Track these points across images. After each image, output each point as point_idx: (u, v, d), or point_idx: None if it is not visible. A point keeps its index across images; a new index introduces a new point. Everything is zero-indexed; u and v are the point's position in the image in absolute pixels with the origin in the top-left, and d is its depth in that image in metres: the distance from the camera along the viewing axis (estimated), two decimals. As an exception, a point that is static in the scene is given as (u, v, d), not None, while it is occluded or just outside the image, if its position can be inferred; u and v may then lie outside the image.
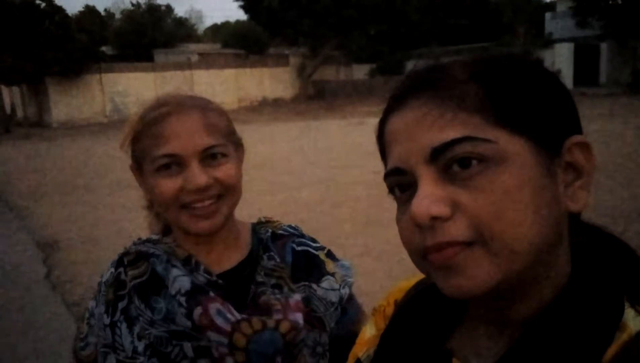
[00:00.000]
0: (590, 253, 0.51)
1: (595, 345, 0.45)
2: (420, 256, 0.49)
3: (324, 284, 0.95)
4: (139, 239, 0.98)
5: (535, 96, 0.49)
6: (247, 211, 1.07)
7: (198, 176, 0.83)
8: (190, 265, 0.90)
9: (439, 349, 0.57)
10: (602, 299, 0.47)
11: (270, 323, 0.86)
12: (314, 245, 1.00)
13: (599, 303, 0.47)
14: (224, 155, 0.87)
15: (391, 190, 0.53)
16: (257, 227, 1.00)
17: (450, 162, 0.47)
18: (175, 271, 0.88)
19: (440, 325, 0.58)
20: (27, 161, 12.93)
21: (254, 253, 0.95)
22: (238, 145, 0.94)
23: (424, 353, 0.57)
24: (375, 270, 4.39)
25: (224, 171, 0.87)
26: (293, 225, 1.03)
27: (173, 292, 0.87)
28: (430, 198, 0.46)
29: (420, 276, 0.64)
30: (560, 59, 23.42)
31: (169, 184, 0.84)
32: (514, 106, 0.48)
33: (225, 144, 0.88)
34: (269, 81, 27.84)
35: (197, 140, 0.85)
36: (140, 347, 0.87)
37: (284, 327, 0.86)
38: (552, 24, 27.54)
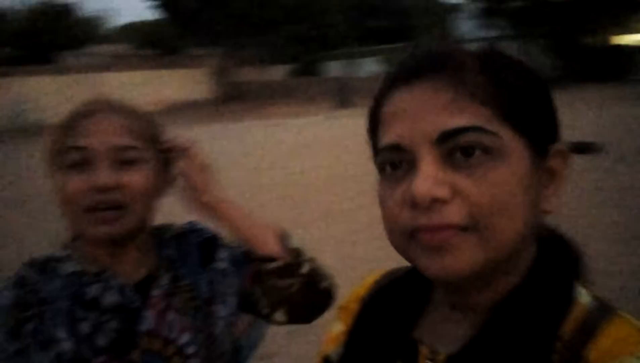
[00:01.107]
0: (547, 246, 0.55)
1: (553, 320, 0.50)
2: (406, 234, 0.50)
3: (221, 255, 0.97)
4: (32, 260, 0.89)
5: (535, 101, 0.51)
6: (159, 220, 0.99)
7: (103, 174, 0.82)
8: (100, 281, 0.87)
9: (405, 339, 0.58)
10: (558, 282, 0.52)
11: (157, 345, 0.87)
12: (209, 230, 1.01)
13: (555, 286, 0.52)
14: (139, 161, 0.85)
15: (381, 166, 0.53)
16: (158, 231, 0.98)
17: (455, 148, 0.48)
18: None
19: (405, 316, 0.60)
20: None
21: (163, 260, 0.94)
22: (167, 159, 0.92)
23: (391, 345, 0.58)
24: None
25: (133, 177, 0.84)
26: (191, 221, 1.02)
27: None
28: (432, 179, 0.47)
29: (381, 271, 0.69)
30: (470, 58, 24.48)
31: (76, 183, 0.83)
32: (519, 106, 0.50)
33: (142, 148, 0.86)
34: (186, 83, 26.86)
35: (110, 138, 0.83)
36: None
37: (169, 350, 0.87)
38: (462, 25, 28.85)
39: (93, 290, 0.86)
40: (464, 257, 0.48)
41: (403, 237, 0.51)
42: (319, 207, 6.37)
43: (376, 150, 0.54)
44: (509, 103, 0.49)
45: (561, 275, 0.53)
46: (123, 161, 0.84)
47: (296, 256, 0.91)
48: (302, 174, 8.51)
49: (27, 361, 0.83)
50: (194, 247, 0.96)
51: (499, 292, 0.52)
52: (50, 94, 22.04)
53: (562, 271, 0.53)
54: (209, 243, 0.98)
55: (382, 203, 0.53)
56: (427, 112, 0.49)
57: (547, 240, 0.56)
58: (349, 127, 14.88)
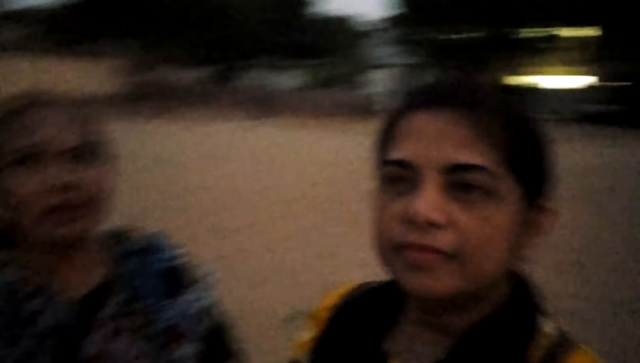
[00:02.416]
0: (516, 282, 0.60)
1: (520, 346, 0.54)
2: (393, 248, 0.53)
3: (188, 296, 0.87)
4: None
5: (537, 155, 0.56)
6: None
7: (61, 173, 0.75)
8: (43, 295, 0.77)
9: (375, 350, 0.60)
10: (525, 313, 0.57)
11: None
12: (176, 254, 0.91)
13: (523, 316, 0.57)
14: (92, 157, 0.79)
15: (383, 178, 0.55)
16: (115, 239, 0.89)
17: (459, 181, 0.51)
18: None
19: (376, 327, 0.62)
20: None
21: (119, 275, 0.84)
22: (111, 155, 0.86)
23: (360, 354, 0.60)
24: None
25: (90, 174, 0.78)
26: (156, 233, 0.92)
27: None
28: (433, 203, 0.50)
29: (353, 282, 0.71)
30: (383, 81, 25.64)
31: (29, 181, 0.75)
32: (522, 156, 0.54)
33: (93, 144, 0.81)
34: (93, 76, 25.07)
35: (63, 134, 0.77)
36: None
37: None
38: (375, 50, 29.92)
39: (33, 305, 0.77)
40: (443, 282, 0.51)
41: (389, 249, 0.53)
42: (245, 214, 6.46)
43: (382, 162, 0.56)
44: (514, 151, 0.52)
45: (528, 307, 0.58)
46: (77, 157, 0.78)
47: None
48: (224, 179, 8.52)
49: None
50: (158, 270, 0.86)
51: (471, 319, 0.56)
52: None
53: (528, 304, 0.58)
54: (173, 273, 0.88)
55: (377, 213, 0.55)
56: (444, 141, 0.51)
57: (515, 277, 0.60)
58: (267, 138, 14.91)
